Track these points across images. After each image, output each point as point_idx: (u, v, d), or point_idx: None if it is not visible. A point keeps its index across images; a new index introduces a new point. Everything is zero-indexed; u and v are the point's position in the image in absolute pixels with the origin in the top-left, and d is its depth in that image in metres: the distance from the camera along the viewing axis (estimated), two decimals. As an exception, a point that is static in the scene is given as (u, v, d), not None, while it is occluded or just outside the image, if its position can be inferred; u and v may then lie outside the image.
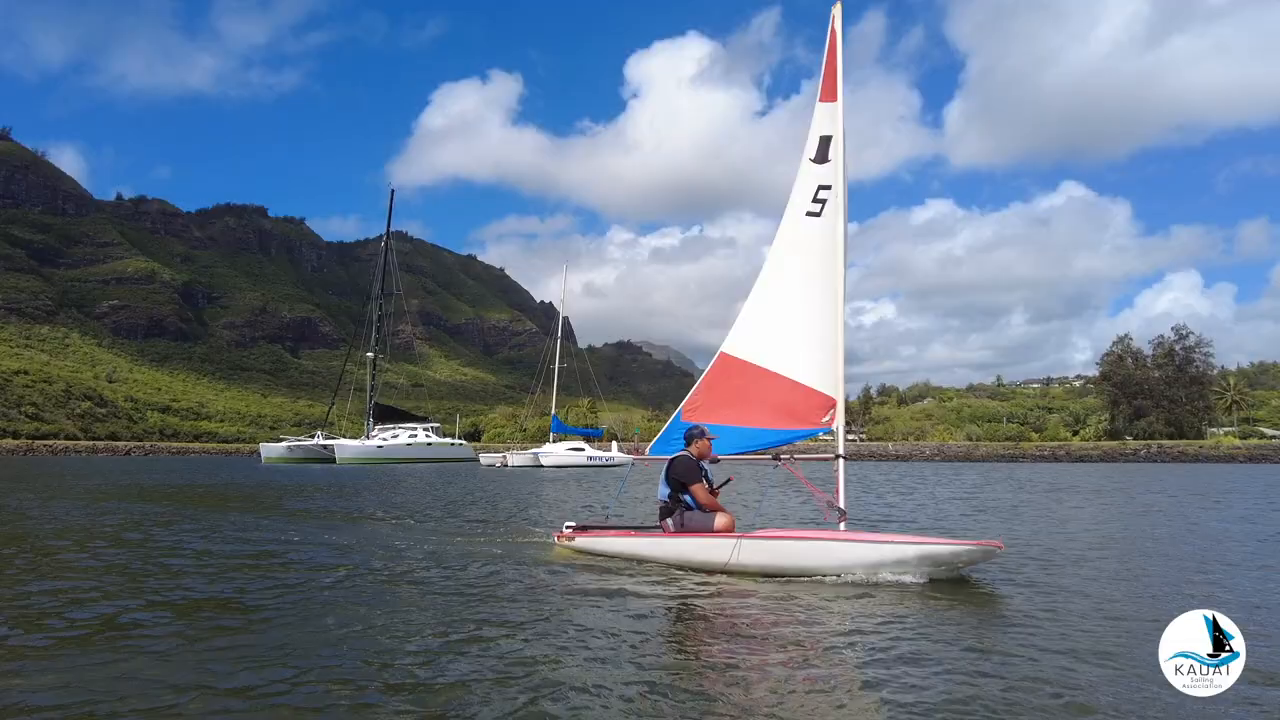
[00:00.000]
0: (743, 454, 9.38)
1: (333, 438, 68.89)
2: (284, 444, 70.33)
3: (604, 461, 56.58)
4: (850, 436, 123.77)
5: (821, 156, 9.19)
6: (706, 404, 9.54)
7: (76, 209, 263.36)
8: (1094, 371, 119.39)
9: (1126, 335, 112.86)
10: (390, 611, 6.35)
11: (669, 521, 8.78)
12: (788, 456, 9.25)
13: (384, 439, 67.66)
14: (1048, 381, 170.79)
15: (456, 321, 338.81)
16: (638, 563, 8.86)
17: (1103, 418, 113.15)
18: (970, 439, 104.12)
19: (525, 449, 61.97)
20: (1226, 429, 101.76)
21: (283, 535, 11.67)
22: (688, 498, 8.63)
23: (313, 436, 71.41)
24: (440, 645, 5.38)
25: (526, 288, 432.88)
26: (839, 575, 7.85)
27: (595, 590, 7.47)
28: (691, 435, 8.86)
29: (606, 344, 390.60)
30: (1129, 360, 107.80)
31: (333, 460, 61.12)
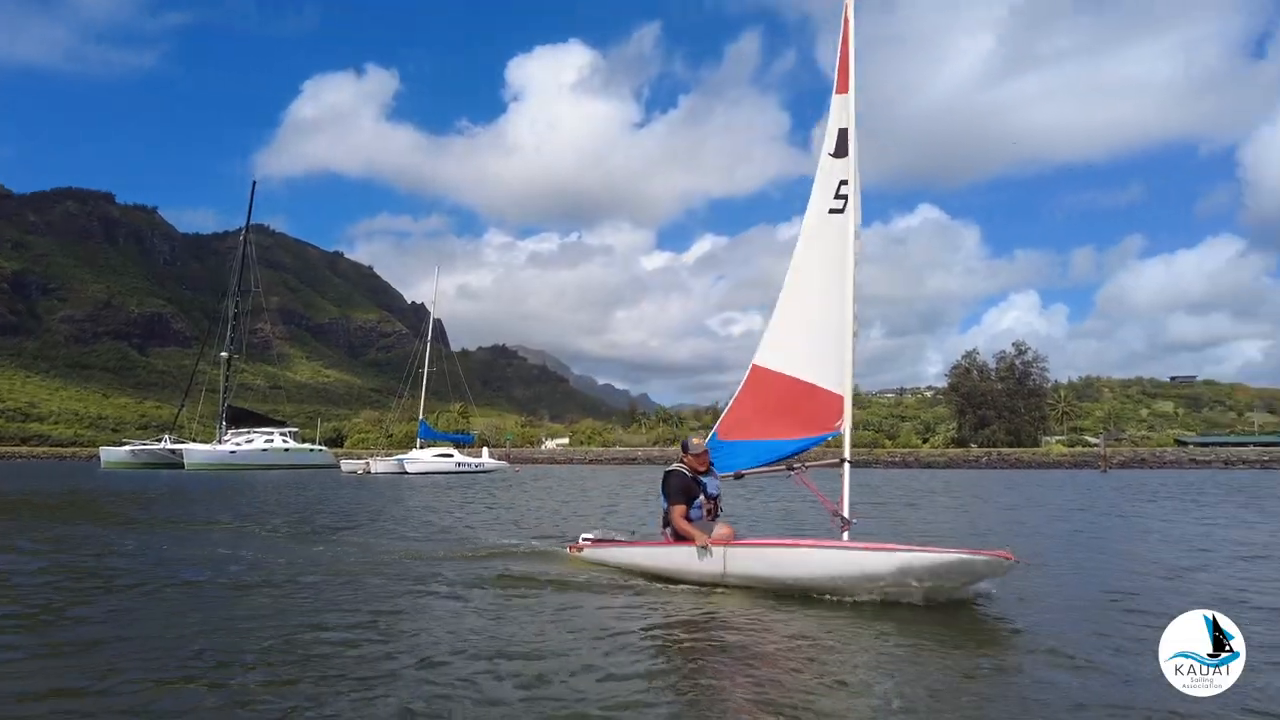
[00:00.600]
0: (764, 466, 8.89)
1: (182, 441, 65.08)
2: (126, 448, 65.85)
3: (474, 468, 55.75)
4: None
5: (841, 150, 8.93)
6: (739, 419, 9.18)
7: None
8: (944, 383, 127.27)
9: (974, 350, 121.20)
10: (209, 621, 6.25)
11: (667, 531, 8.44)
12: (799, 465, 8.81)
13: (237, 444, 64.40)
14: (901, 392, 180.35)
15: (320, 321, 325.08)
16: (640, 577, 8.47)
17: (950, 426, 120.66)
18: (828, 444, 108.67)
19: (391, 455, 60.32)
20: (1058, 437, 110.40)
21: (114, 545, 11.12)
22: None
23: (159, 440, 67.22)
24: (279, 651, 5.37)
25: (397, 288, 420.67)
26: (837, 589, 7.29)
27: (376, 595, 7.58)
28: (685, 447, 8.53)
29: (481, 348, 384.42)
30: (975, 373, 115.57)
31: (181, 466, 57.74)
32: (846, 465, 8.46)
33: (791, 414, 8.83)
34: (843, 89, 9.03)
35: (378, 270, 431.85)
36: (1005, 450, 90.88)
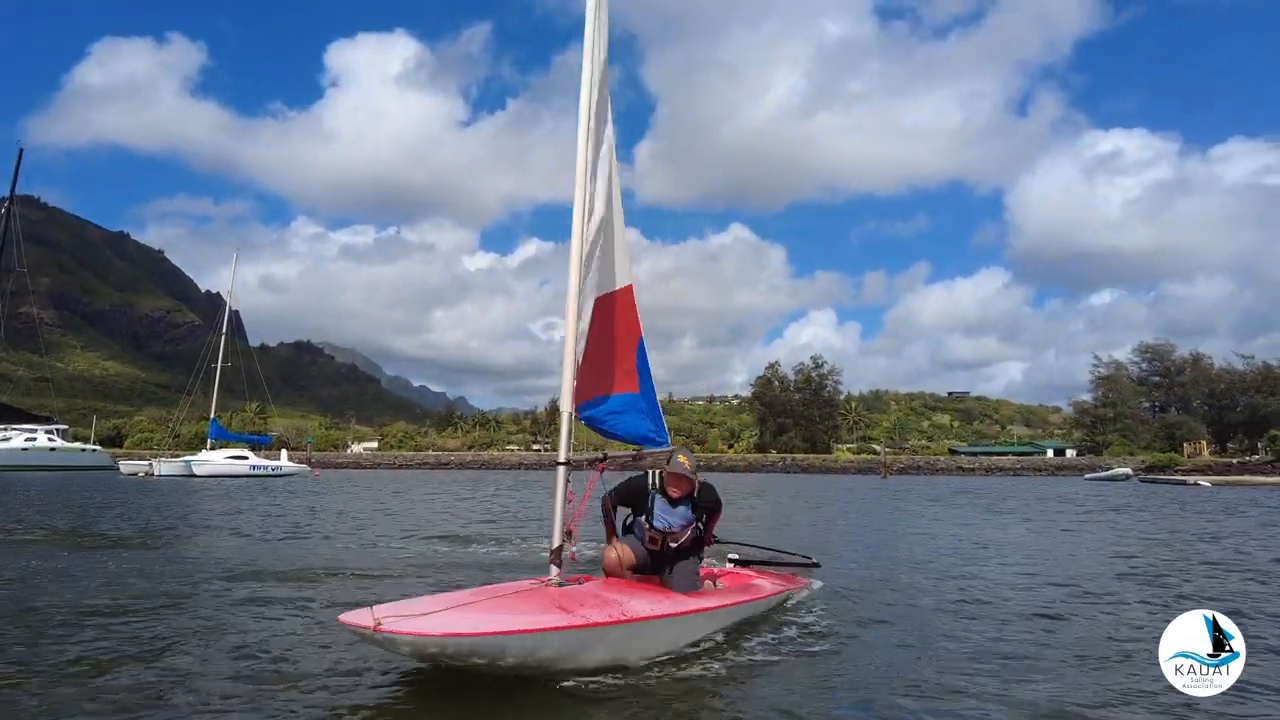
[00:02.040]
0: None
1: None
2: None
3: (270, 471, 52.93)
4: (536, 446, 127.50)
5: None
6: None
7: None
8: (749, 392, 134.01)
9: (776, 362, 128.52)
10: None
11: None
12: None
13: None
14: (711, 400, 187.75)
15: (100, 307, 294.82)
16: None
17: (754, 433, 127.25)
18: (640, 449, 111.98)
19: (177, 456, 55.94)
20: (848, 445, 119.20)
21: None
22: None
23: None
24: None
25: (191, 275, 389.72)
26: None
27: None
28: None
29: (283, 343, 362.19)
30: (776, 384, 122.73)
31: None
32: (562, 469, 5.93)
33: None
34: None
35: (169, 255, 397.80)
36: (800, 456, 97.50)
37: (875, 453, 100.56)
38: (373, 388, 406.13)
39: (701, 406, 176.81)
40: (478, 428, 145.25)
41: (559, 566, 5.71)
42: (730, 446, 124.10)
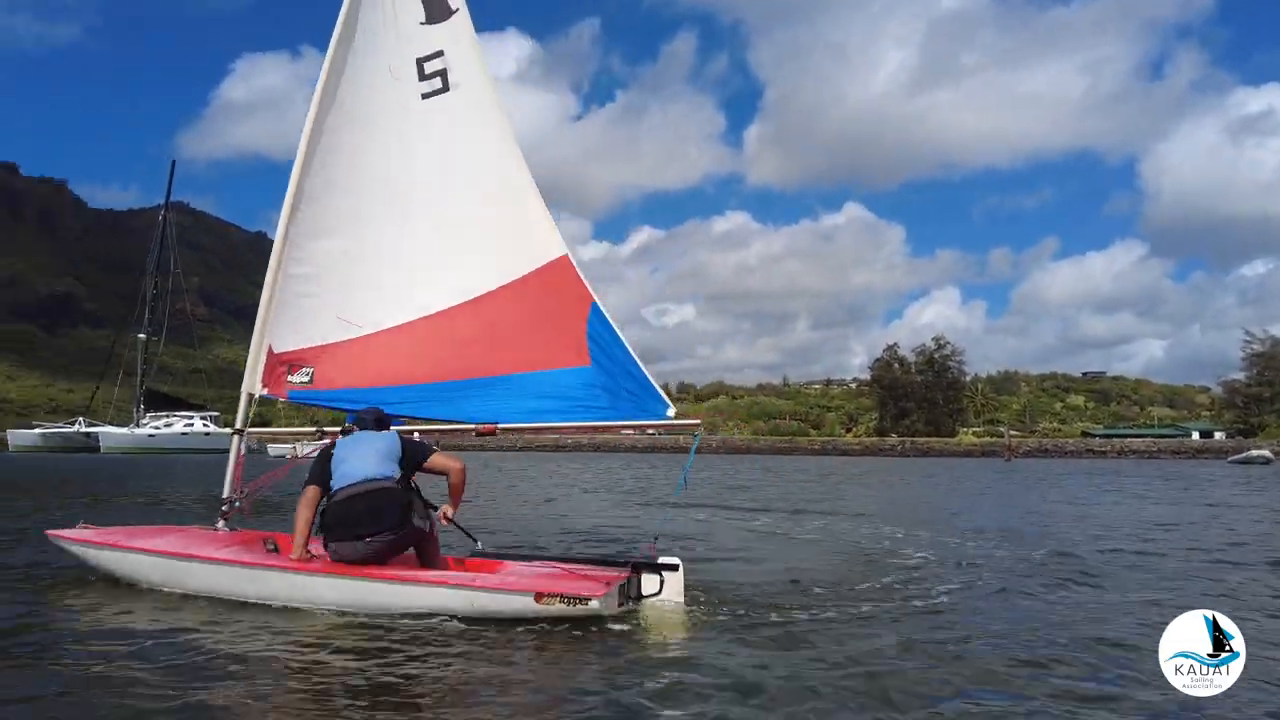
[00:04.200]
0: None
1: (96, 425, 63.19)
2: (37, 431, 63.66)
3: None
4: (649, 431, 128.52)
5: (440, 14, 6.91)
6: None
7: None
8: (867, 375, 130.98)
9: (895, 344, 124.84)
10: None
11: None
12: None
13: (156, 427, 62.86)
14: (828, 383, 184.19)
15: (243, 302, 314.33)
16: None
17: (873, 417, 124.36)
18: (755, 434, 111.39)
19: (320, 438, 59.69)
20: (975, 429, 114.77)
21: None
22: None
23: (73, 423, 65.13)
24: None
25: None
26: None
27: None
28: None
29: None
30: (896, 366, 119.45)
31: (95, 449, 56.22)
32: (238, 440, 7.09)
33: None
34: None
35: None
36: (919, 440, 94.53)
37: (1001, 436, 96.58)
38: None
39: (818, 390, 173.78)
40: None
41: (226, 520, 6.81)
42: (849, 430, 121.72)
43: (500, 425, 6.58)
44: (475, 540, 6.66)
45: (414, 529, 5.79)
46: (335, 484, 5.74)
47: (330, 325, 6.95)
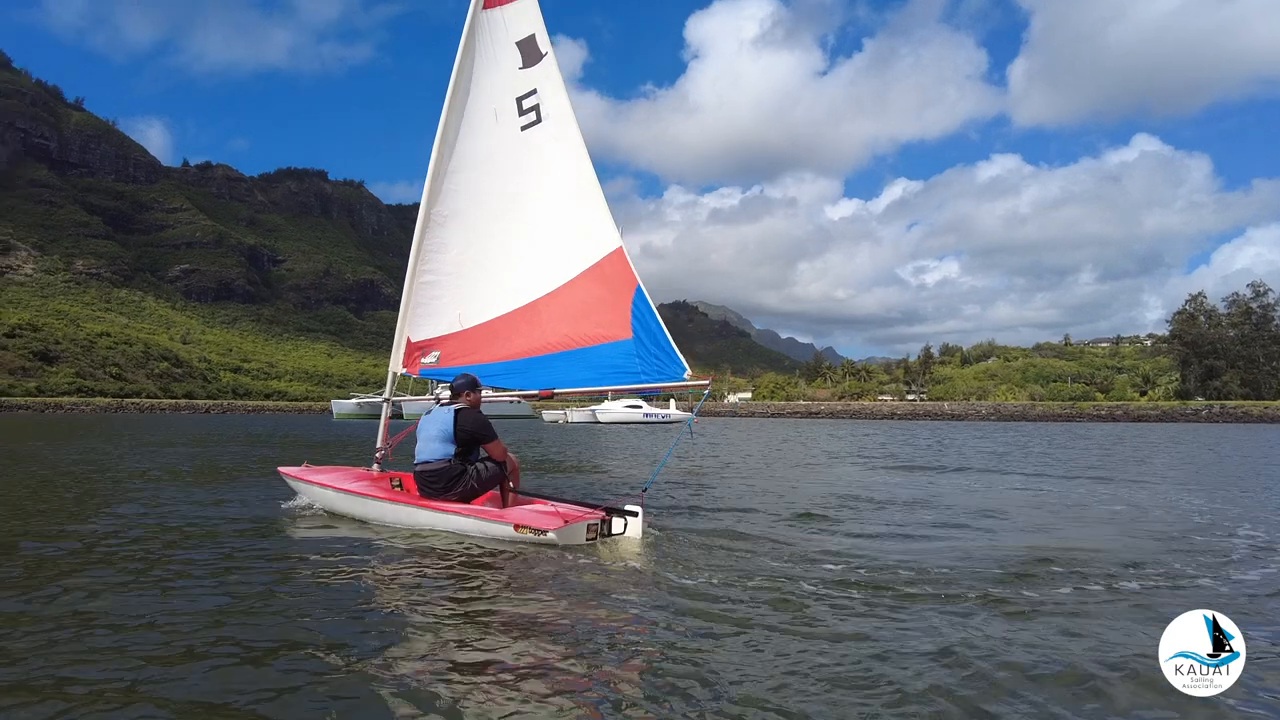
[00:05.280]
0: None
1: (400, 396, 71.26)
2: (354, 401, 72.97)
3: (660, 419, 57.56)
4: (910, 396, 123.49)
5: (533, 59, 8.50)
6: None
7: (146, 176, 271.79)
8: (1165, 330, 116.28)
9: (1200, 293, 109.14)
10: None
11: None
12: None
13: (446, 397, 69.65)
14: (1117, 341, 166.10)
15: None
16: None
17: (1173, 378, 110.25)
18: (1032, 399, 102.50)
19: (585, 406, 63.33)
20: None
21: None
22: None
23: (381, 394, 74.06)
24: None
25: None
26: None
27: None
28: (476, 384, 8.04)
29: (663, 305, 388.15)
30: (1202, 319, 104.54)
31: (400, 415, 63.25)
32: (387, 405, 9.53)
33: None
34: None
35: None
36: (1230, 403, 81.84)
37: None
38: (744, 342, 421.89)
39: (1106, 349, 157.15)
40: (848, 378, 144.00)
41: (378, 463, 8.97)
42: (1143, 394, 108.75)
43: (556, 390, 8.15)
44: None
45: (469, 488, 7.40)
46: (415, 458, 7.60)
47: (452, 319, 8.89)
